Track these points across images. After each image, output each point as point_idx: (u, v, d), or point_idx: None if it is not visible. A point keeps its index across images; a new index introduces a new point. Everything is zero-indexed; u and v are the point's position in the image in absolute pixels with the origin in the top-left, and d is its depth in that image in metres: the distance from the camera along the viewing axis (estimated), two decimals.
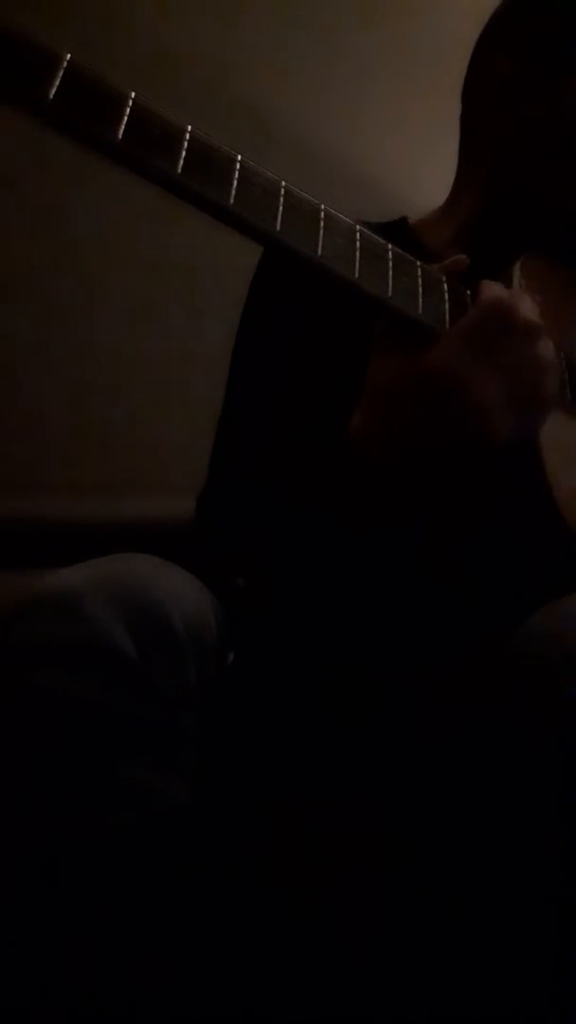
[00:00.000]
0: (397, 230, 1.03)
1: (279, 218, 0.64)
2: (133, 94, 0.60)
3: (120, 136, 0.58)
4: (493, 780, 0.71)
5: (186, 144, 0.61)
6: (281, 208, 0.64)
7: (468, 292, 0.74)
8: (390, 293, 0.69)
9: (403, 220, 1.06)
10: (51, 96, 0.56)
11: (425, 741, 0.80)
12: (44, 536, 1.37)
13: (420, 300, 0.71)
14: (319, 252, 0.66)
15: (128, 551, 0.76)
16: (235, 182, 0.62)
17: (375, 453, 0.72)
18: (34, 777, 0.64)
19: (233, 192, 0.62)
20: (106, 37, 1.59)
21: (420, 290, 0.71)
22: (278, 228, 0.64)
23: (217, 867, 0.73)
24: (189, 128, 0.61)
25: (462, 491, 0.79)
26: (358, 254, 0.68)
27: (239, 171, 0.63)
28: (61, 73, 0.56)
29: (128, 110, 0.59)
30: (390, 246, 0.71)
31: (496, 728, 0.72)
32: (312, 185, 0.67)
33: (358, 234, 0.69)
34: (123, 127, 0.58)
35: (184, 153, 0.60)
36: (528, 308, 0.73)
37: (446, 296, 0.73)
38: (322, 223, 0.67)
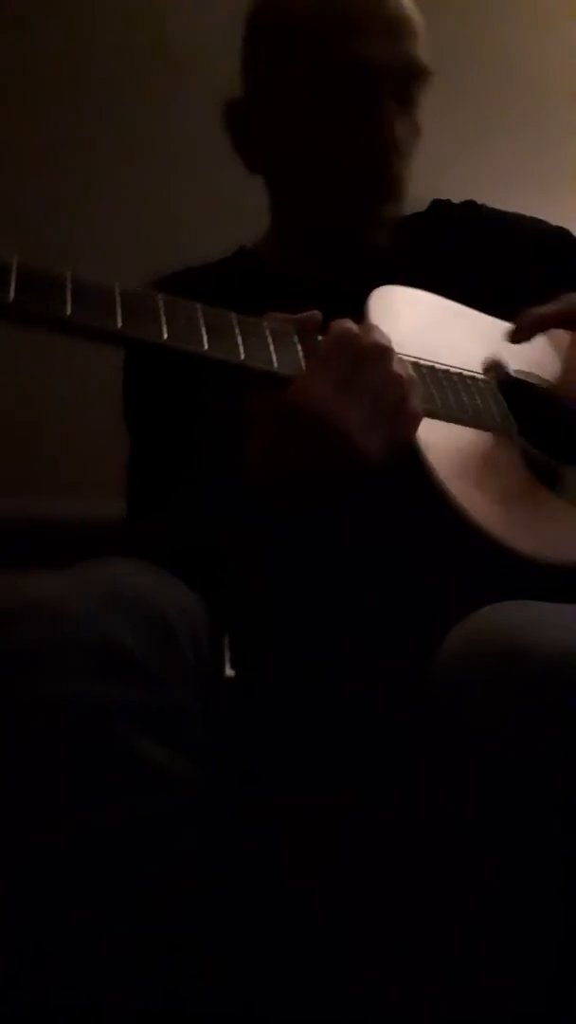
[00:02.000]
0: (240, 259, 1.11)
1: (119, 316, 0.69)
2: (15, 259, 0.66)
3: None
4: (496, 779, 0.70)
5: (15, 272, 0.65)
6: (119, 308, 0.69)
7: (319, 338, 0.79)
8: (243, 356, 0.74)
9: (241, 248, 1.13)
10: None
11: (426, 739, 0.79)
12: (41, 536, 1.36)
13: (274, 355, 0.75)
14: (164, 336, 0.70)
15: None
16: (68, 297, 0.67)
17: (268, 482, 0.79)
18: (47, 779, 0.63)
19: (69, 306, 0.67)
20: (107, 37, 1.68)
21: (272, 345, 0.76)
22: (119, 326, 0.68)
23: (219, 868, 0.73)
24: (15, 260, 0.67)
25: (363, 508, 0.84)
26: (204, 328, 0.73)
27: (71, 285, 0.68)
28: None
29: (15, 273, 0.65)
30: (234, 313, 0.76)
31: (499, 726, 0.72)
32: None
33: (200, 311, 0.74)
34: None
35: (14, 282, 0.65)
36: (377, 334, 0.78)
37: (297, 345, 0.77)
38: (162, 311, 0.71)
